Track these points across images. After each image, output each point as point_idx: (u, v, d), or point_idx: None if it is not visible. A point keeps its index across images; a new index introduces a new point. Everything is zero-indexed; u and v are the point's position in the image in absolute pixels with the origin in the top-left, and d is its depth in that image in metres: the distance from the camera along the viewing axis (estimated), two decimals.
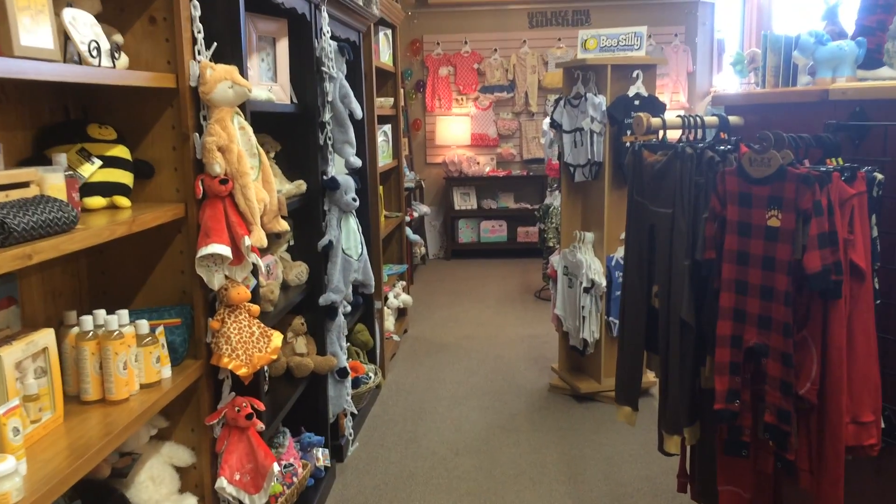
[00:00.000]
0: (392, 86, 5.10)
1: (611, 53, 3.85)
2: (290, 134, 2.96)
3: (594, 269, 3.79)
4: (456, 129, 7.96)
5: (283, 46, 2.79)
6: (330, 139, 3.00)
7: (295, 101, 2.91)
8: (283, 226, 2.20)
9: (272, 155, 2.89)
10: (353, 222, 3.07)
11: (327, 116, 2.96)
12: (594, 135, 3.72)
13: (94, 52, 1.64)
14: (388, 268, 4.98)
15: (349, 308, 3.56)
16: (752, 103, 2.22)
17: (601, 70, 3.72)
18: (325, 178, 2.98)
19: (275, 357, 2.09)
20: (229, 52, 2.11)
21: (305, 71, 2.92)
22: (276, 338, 2.10)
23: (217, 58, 2.05)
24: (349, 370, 3.13)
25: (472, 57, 7.90)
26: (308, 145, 2.95)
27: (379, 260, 4.25)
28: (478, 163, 7.92)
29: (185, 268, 2.03)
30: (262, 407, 2.13)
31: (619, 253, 3.84)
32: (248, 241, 1.97)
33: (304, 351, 2.95)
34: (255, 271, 2.14)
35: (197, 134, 1.99)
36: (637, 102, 3.70)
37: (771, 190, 1.77)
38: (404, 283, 5.19)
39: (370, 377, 3.68)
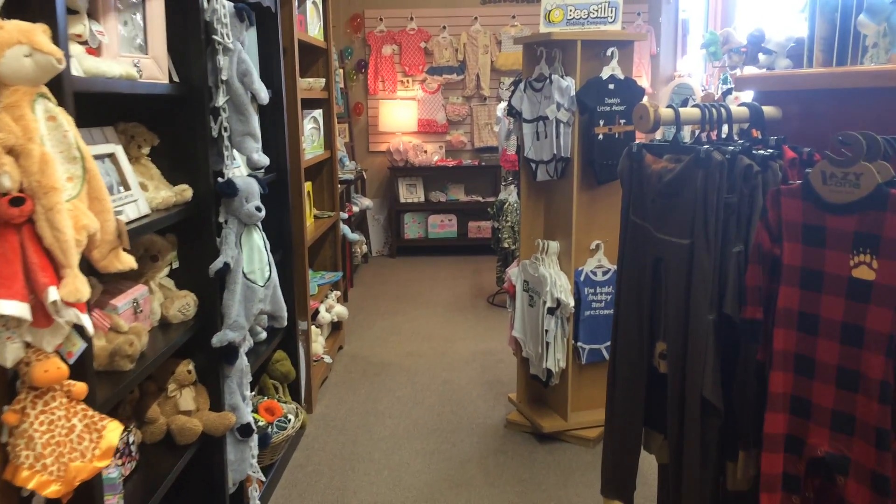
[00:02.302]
0: (324, 64, 4.39)
1: (580, 27, 3.22)
2: (172, 123, 2.26)
3: (560, 286, 3.17)
4: (401, 114, 7.26)
5: (156, 6, 2.08)
6: (226, 130, 2.30)
7: (176, 79, 2.21)
8: (126, 263, 1.51)
9: (145, 151, 2.19)
10: (257, 238, 2.39)
11: (222, 100, 2.26)
12: (560, 125, 3.08)
13: None
14: (318, 276, 4.30)
15: (263, 335, 2.90)
16: (795, 88, 1.60)
17: (569, 47, 3.08)
18: (219, 180, 2.29)
19: (106, 463, 1.40)
20: (36, 3, 1.40)
21: (191, 40, 2.21)
22: (112, 432, 1.42)
23: (13, 11, 1.35)
24: (254, 426, 2.45)
25: (418, 35, 7.20)
26: (195, 138, 2.25)
27: (304, 272, 3.57)
28: (425, 151, 7.25)
29: None
30: None
31: (589, 266, 3.23)
32: (53, 294, 1.27)
33: (192, 407, 2.27)
34: (83, 330, 1.45)
35: None
36: (611, 86, 3.07)
37: (859, 223, 1.16)
38: (338, 292, 4.51)
39: (289, 420, 3.01)
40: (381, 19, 7.20)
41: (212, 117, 2.27)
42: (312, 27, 4.12)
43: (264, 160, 2.36)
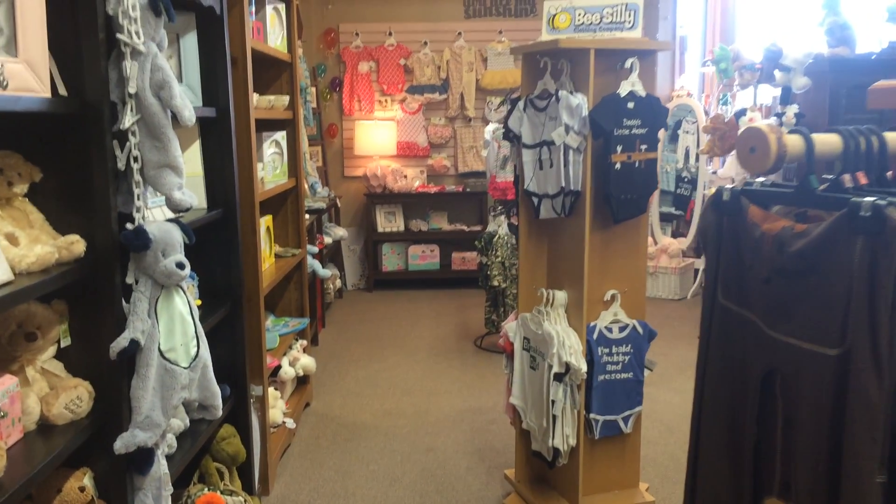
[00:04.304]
0: (288, 80, 3.83)
1: (591, 34, 2.67)
2: (63, 152, 1.68)
3: (569, 347, 2.59)
4: (379, 137, 6.69)
5: None
6: (136, 160, 1.72)
7: (64, 92, 1.63)
8: None
9: (20, 190, 1.60)
10: (179, 304, 1.80)
11: (129, 121, 1.68)
12: (569, 151, 2.53)
13: None
14: (280, 324, 3.70)
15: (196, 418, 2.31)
16: None
17: (580, 57, 2.54)
18: (127, 227, 1.70)
19: None
20: None
21: (84, 40, 1.63)
22: None
23: None
24: None
25: (397, 51, 6.66)
26: (92, 172, 1.67)
27: (258, 325, 2.98)
28: (405, 176, 6.68)
29: None
30: None
31: (604, 320, 2.67)
32: None
33: None
34: None
35: None
36: (631, 105, 2.53)
37: None
38: (304, 342, 3.91)
39: None
40: (356, 34, 6.65)
41: (117, 143, 1.69)
42: (274, 37, 3.55)
43: (188, 201, 1.77)
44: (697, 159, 6.22)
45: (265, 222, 3.38)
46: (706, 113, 6.21)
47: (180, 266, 1.73)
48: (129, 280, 1.72)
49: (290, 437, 3.48)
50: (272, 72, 3.75)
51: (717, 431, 1.07)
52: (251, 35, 2.98)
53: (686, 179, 6.38)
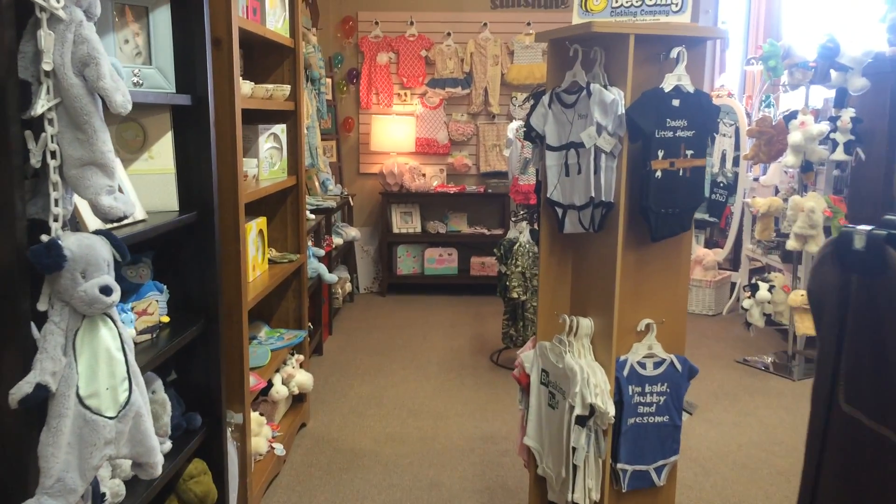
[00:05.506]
0: (290, 68, 3.46)
1: (631, 18, 2.28)
2: None
3: (594, 386, 2.20)
4: (397, 132, 6.31)
5: None
6: (54, 156, 1.36)
7: None
8: None
9: None
10: (106, 337, 1.43)
11: (43, 105, 1.32)
12: (602, 156, 2.14)
13: None
14: (274, 336, 3.35)
15: (168, 444, 1.99)
16: None
17: (616, 44, 2.14)
18: (42, 239, 1.35)
19: None
20: None
21: None
22: None
23: None
24: None
25: (419, 42, 6.28)
26: None
27: (240, 343, 2.63)
28: (423, 175, 6.31)
29: None
30: None
31: (636, 354, 2.28)
32: None
33: None
34: None
35: None
36: (676, 102, 2.13)
37: None
38: (301, 356, 3.55)
39: None
40: (376, 23, 6.29)
41: (31, 134, 1.34)
42: (274, 19, 3.19)
43: (121, 207, 1.41)
44: (735, 163, 5.78)
45: (258, 225, 3.03)
46: (748, 115, 5.77)
47: (106, 291, 1.37)
48: (42, 307, 1.36)
49: (280, 465, 3.13)
50: (273, 58, 3.40)
51: None
52: (241, 13, 2.63)
53: (722, 184, 5.94)
